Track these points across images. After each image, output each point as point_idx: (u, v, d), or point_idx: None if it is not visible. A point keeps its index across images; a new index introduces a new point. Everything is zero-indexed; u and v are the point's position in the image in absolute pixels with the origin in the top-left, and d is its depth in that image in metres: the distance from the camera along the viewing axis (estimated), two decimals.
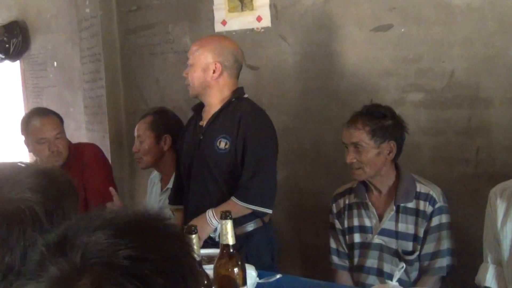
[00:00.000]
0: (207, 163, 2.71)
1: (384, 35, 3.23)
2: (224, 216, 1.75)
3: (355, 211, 2.65)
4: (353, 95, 3.36)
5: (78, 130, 4.78)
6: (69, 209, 1.20)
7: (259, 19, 3.65)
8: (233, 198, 2.62)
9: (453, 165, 3.09)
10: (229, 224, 1.75)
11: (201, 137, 2.76)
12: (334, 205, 2.74)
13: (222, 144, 2.68)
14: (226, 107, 2.74)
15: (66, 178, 1.27)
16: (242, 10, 3.71)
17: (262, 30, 3.65)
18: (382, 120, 2.52)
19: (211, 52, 2.73)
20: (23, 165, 1.23)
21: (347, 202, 2.69)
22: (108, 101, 4.29)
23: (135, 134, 3.29)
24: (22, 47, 5.09)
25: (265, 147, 2.69)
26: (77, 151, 3.43)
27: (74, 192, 1.25)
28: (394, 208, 2.52)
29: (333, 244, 2.74)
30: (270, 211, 2.68)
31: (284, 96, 3.64)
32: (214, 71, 2.73)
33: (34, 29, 5.14)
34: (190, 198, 2.79)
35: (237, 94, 2.78)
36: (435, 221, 2.48)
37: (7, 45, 4.99)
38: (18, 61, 5.39)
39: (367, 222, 2.61)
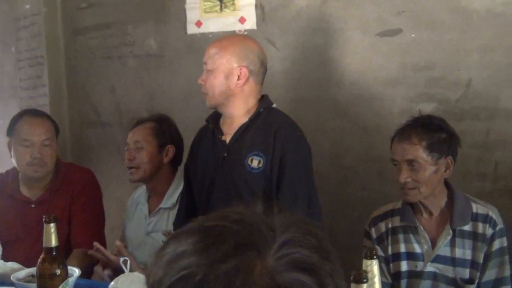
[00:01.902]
0: (235, 184, 2.31)
1: (391, 41, 2.98)
2: None
3: (401, 236, 2.34)
4: (354, 105, 3.09)
5: None
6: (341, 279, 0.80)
7: (242, 20, 3.28)
8: None
9: (470, 180, 2.88)
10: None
11: (225, 155, 2.35)
12: (373, 229, 2.41)
13: (255, 162, 2.29)
14: (255, 119, 2.36)
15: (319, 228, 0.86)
16: (221, 10, 3.32)
17: (246, 32, 3.27)
18: (438, 133, 2.24)
19: (235, 55, 2.33)
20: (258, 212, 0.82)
21: (390, 225, 2.37)
22: (52, 111, 3.72)
23: (130, 140, 2.82)
24: None
25: (306, 165, 2.34)
26: (69, 172, 2.94)
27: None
28: (451, 232, 2.25)
29: None
30: None
31: None
32: (238, 77, 2.34)
33: None
34: None
35: (265, 103, 2.40)
36: (496, 245, 2.22)
37: None
38: None
39: (417, 248, 2.30)
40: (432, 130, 2.24)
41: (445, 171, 2.26)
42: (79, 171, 3.01)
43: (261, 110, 2.37)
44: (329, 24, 3.09)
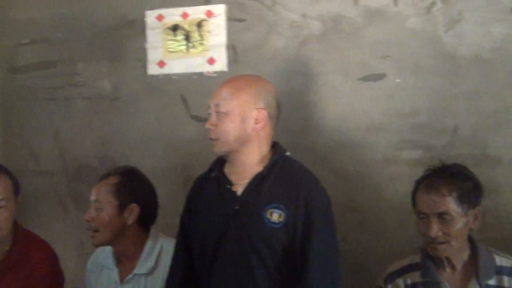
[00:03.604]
0: (250, 239, 2.05)
1: (374, 85, 2.88)
2: None
3: None
4: (333, 152, 2.94)
5: None
6: None
7: (211, 61, 3.06)
8: None
9: None
10: None
11: (237, 207, 2.09)
12: (389, 286, 2.24)
13: (275, 216, 2.05)
14: (271, 168, 2.13)
15: None
16: (187, 50, 3.09)
17: (215, 74, 3.06)
18: (466, 182, 2.15)
19: (253, 97, 2.13)
20: None
21: (409, 282, 2.21)
22: None
23: (91, 198, 2.45)
24: None
25: (331, 218, 2.12)
26: (27, 247, 2.48)
27: None
28: (478, 287, 2.12)
29: None
30: None
31: None
32: (256, 121, 2.12)
33: None
34: None
35: (280, 151, 2.19)
36: None
37: None
38: None
39: None
40: (461, 180, 2.14)
41: (473, 222, 2.14)
42: (37, 247, 2.54)
43: (276, 158, 2.16)
44: (308, 67, 2.95)
